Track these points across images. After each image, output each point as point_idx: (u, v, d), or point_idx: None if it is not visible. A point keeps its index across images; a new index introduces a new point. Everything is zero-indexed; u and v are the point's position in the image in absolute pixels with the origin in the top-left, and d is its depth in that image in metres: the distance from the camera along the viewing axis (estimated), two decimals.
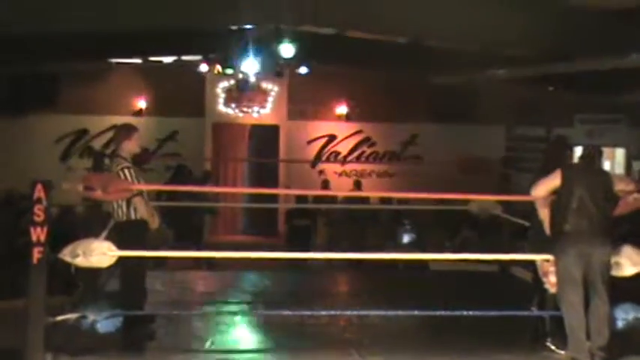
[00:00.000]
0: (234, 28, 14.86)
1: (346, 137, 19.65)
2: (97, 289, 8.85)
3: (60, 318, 7.03)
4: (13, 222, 12.58)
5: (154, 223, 7.69)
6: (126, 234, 7.44)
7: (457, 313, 7.61)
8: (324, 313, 8.45)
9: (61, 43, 13.62)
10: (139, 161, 9.20)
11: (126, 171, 7.49)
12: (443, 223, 15.06)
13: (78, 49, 14.68)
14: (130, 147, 7.70)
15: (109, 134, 18.29)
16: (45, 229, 6.37)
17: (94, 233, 7.29)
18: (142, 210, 7.53)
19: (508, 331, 7.69)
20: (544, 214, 7.29)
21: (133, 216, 7.52)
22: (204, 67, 17.68)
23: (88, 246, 6.65)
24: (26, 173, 9.82)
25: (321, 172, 19.30)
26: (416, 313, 7.93)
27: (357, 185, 18.92)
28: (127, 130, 7.84)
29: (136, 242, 7.29)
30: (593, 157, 7.38)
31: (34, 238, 6.36)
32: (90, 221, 9.22)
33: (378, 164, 19.69)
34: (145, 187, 7.55)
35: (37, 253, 6.36)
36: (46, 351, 6.43)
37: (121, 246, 6.95)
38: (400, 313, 8.05)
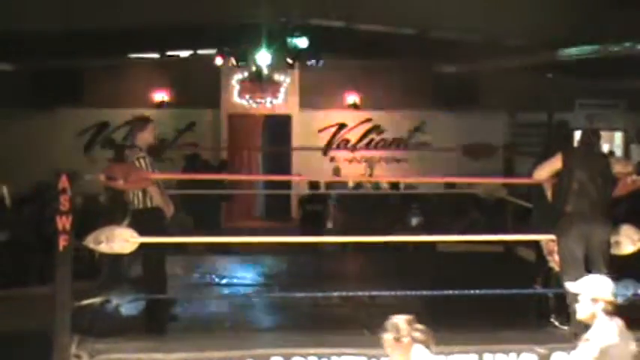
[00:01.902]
0: (247, 22, 15.06)
1: (356, 125, 19.62)
2: (119, 274, 8.93)
3: (85, 302, 7.04)
4: (41, 212, 12.64)
5: (169, 211, 7.81)
6: (143, 221, 7.55)
7: (464, 292, 7.61)
8: (336, 294, 8.45)
9: (83, 39, 13.80)
10: (156, 151, 9.36)
11: (141, 160, 7.63)
12: (450, 206, 15.01)
13: (100, 46, 14.83)
14: (145, 138, 7.86)
15: (129, 126, 18.68)
16: (70, 218, 6.47)
17: (116, 221, 7.40)
18: (156, 198, 7.65)
19: (513, 309, 7.78)
20: (550, 195, 7.45)
21: (149, 204, 7.65)
22: (219, 61, 17.70)
23: (110, 233, 6.77)
24: (52, 165, 9.99)
25: (332, 159, 19.31)
26: (425, 292, 7.89)
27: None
28: (141, 123, 8.06)
29: (153, 229, 7.38)
30: (592, 140, 7.46)
31: (59, 226, 6.47)
32: (112, 209, 9.34)
33: (386, 151, 19.62)
34: (163, 177, 7.63)
35: (62, 241, 6.47)
36: (72, 333, 6.60)
37: (139, 233, 7.05)
38: (409, 293, 8.00)
